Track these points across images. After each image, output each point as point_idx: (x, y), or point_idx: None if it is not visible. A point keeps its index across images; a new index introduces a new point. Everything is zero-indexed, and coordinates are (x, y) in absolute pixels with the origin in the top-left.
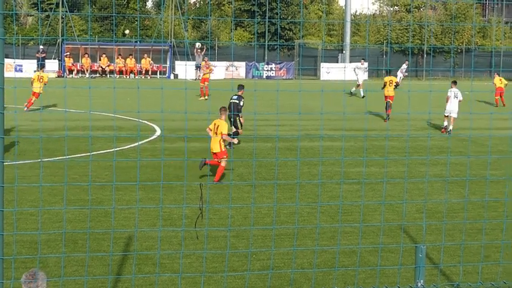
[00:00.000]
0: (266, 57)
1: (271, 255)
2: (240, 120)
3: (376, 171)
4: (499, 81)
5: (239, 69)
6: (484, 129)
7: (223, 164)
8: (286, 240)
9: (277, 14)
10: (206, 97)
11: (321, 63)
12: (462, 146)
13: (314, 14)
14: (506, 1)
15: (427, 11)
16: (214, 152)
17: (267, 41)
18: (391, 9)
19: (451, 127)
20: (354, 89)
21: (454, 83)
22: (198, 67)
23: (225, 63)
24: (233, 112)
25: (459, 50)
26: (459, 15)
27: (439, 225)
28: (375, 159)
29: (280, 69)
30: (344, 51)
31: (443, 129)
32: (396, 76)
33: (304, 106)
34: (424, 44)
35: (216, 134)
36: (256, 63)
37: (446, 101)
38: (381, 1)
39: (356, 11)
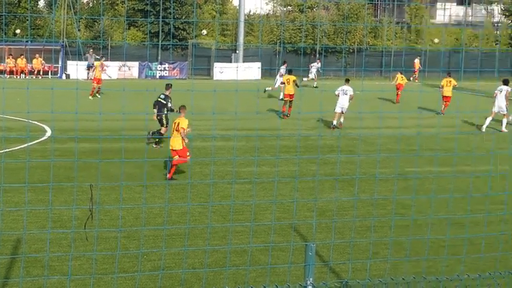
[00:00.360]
0: (159, 57)
1: (162, 256)
2: (167, 118)
3: (268, 170)
4: (401, 78)
5: (132, 69)
6: (373, 128)
7: (179, 161)
8: (178, 241)
9: (170, 13)
10: (98, 95)
11: (214, 63)
12: (352, 145)
13: (208, 14)
14: (397, 2)
15: (320, 11)
16: (175, 149)
17: (160, 41)
18: (285, 9)
19: (341, 120)
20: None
21: (347, 81)
22: (90, 67)
23: (117, 63)
24: (158, 112)
25: (351, 50)
26: (351, 16)
27: (329, 223)
28: (266, 158)
29: (174, 69)
30: (237, 51)
31: (333, 127)
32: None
33: (197, 106)
34: (316, 44)
35: (177, 130)
36: (150, 63)
37: (337, 97)
38: (275, 1)
39: (250, 11)
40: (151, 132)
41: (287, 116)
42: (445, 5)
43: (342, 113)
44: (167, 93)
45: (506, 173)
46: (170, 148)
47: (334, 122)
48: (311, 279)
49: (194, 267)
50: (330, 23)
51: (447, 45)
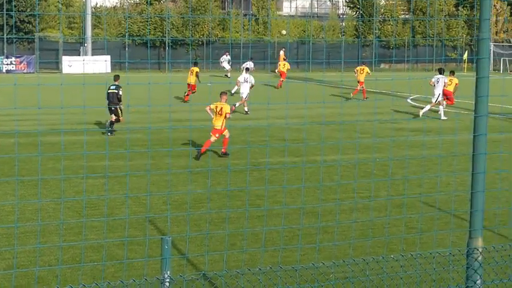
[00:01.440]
0: (5, 51)
1: (15, 254)
2: (120, 108)
3: (122, 164)
4: (283, 66)
5: None
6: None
7: (227, 136)
8: (32, 238)
9: (15, 6)
10: None
11: (63, 57)
12: (205, 137)
13: (54, 7)
14: None
15: (168, 3)
16: (217, 128)
17: (5, 34)
18: (132, 1)
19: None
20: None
21: (247, 70)
22: None
23: None
24: (112, 101)
25: (200, 42)
26: (199, 8)
27: (186, 216)
28: (120, 152)
29: (21, 62)
30: (85, 44)
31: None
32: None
33: (47, 100)
34: (165, 37)
35: (221, 114)
36: None
37: (237, 85)
38: None
39: (97, 4)
40: (109, 122)
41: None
42: None
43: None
44: (117, 83)
45: (355, 161)
46: (213, 127)
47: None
48: (168, 272)
49: (50, 264)
50: (178, 15)
51: (294, 36)
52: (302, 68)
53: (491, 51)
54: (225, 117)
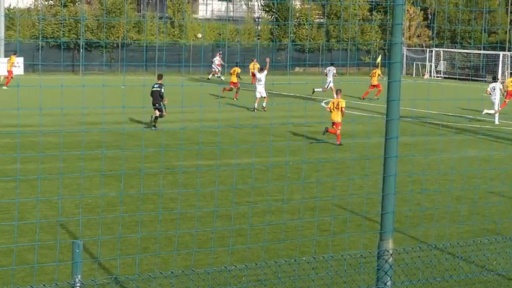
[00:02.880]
0: None
1: None
2: (164, 104)
3: (34, 167)
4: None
5: None
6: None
7: (338, 132)
8: None
9: None
10: None
11: None
12: (119, 140)
13: None
14: None
15: (83, 5)
16: (335, 122)
17: None
18: (46, 3)
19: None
20: None
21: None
22: None
23: None
24: (156, 99)
25: (115, 45)
26: (114, 10)
27: (98, 219)
28: (31, 155)
29: None
30: None
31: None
32: None
33: None
34: (80, 39)
35: (337, 109)
36: None
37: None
38: None
39: (10, 5)
40: (153, 117)
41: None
42: (207, 1)
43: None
44: (160, 82)
45: (268, 164)
46: (331, 121)
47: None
48: (79, 276)
49: None
50: (92, 17)
51: (210, 40)
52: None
53: (405, 55)
54: (342, 111)
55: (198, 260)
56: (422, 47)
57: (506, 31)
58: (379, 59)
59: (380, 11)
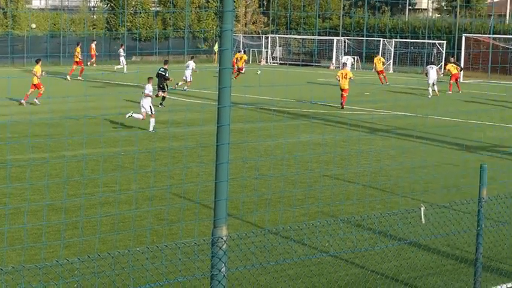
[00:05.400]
0: None
1: None
2: (167, 85)
3: None
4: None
5: None
6: None
7: (345, 95)
8: None
9: None
10: None
11: None
12: None
13: None
14: None
15: None
16: (344, 88)
17: None
18: None
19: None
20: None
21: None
22: None
23: None
24: (160, 80)
25: None
26: None
27: None
28: None
29: None
30: None
31: None
32: None
33: None
34: None
35: (345, 78)
36: None
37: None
38: None
39: None
40: (161, 97)
41: None
42: None
43: None
44: (165, 67)
45: (103, 155)
46: (341, 88)
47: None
48: None
49: None
50: None
51: (44, 30)
52: (52, 61)
53: (241, 42)
54: (349, 79)
55: (33, 255)
56: (259, 34)
57: (340, 16)
58: (216, 46)
59: None
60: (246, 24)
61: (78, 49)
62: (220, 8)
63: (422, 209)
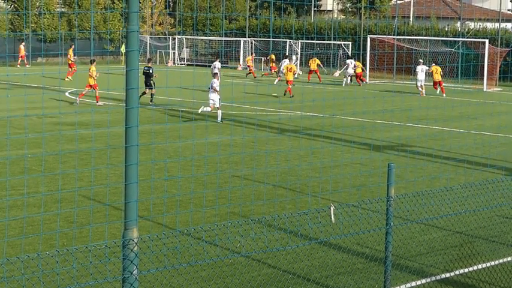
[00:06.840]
0: None
1: None
2: (153, 82)
3: None
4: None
5: None
6: None
7: (290, 86)
8: None
9: None
10: None
11: None
12: None
13: None
14: None
15: None
16: (289, 80)
17: None
18: None
19: None
20: None
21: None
22: None
23: None
24: (146, 78)
25: None
26: None
27: None
28: None
29: None
30: None
31: None
32: None
33: None
34: None
35: (290, 71)
36: None
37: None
38: None
39: None
40: (151, 94)
41: None
42: None
43: None
44: (150, 65)
45: (9, 158)
46: (286, 80)
47: None
48: None
49: None
50: None
51: None
52: None
53: (148, 43)
54: (294, 73)
55: None
56: (166, 35)
57: (246, 18)
58: (123, 48)
59: (121, 0)
60: (152, 25)
61: (71, 51)
62: (125, 9)
63: (331, 208)
